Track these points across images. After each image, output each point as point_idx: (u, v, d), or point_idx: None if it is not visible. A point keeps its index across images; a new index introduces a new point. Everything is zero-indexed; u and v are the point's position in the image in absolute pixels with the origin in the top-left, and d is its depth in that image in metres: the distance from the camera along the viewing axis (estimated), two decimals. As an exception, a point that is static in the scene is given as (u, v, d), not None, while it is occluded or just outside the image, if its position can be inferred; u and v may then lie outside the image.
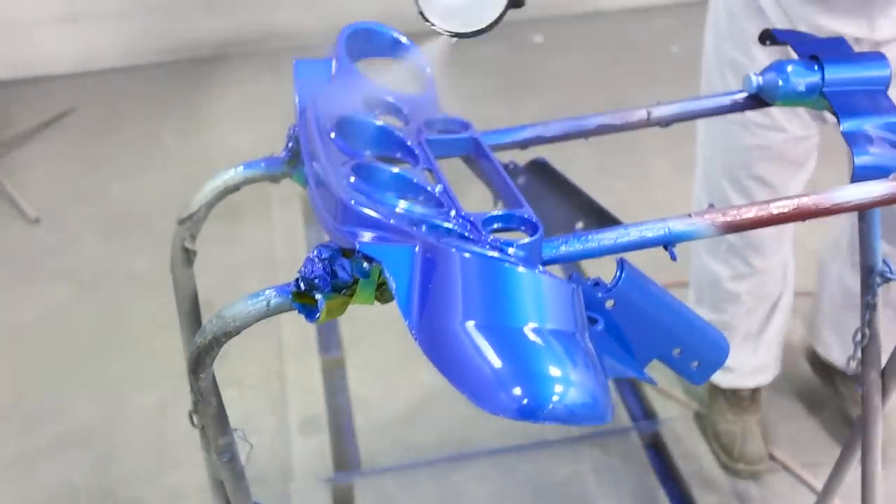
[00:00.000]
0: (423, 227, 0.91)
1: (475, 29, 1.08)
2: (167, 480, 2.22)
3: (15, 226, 3.15)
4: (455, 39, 1.10)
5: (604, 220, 1.37)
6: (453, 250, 0.79)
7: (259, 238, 2.92)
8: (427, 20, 1.08)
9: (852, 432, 1.55)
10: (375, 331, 2.55)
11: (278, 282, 2.75)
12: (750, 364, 2.18)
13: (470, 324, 0.75)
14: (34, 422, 2.38)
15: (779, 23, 1.72)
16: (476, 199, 1.17)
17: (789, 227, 2.04)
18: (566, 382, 0.73)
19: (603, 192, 1.35)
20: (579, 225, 1.36)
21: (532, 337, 0.76)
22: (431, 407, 2.33)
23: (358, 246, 0.83)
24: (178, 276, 1.23)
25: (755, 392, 2.22)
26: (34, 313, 2.75)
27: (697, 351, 1.09)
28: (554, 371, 0.74)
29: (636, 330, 1.03)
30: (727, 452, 2.18)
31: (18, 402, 2.45)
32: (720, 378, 2.18)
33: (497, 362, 0.74)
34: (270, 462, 2.22)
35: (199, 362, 1.00)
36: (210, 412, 1.10)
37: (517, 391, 0.72)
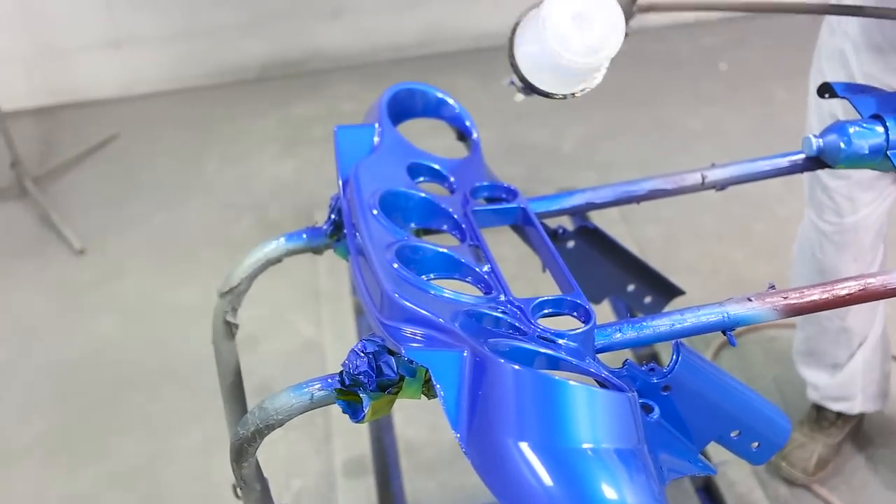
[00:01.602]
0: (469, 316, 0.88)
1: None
2: (212, 524, 2.20)
3: (60, 257, 3.15)
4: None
5: (655, 281, 1.33)
6: (502, 361, 0.75)
7: (302, 270, 2.90)
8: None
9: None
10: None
11: (321, 318, 2.68)
12: (830, 390, 2.16)
13: (524, 444, 0.72)
14: (80, 461, 2.38)
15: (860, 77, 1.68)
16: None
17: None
18: (623, 506, 0.70)
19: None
20: (630, 287, 1.32)
21: (588, 457, 0.72)
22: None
23: (404, 352, 0.80)
24: (221, 350, 1.20)
25: (840, 417, 2.20)
26: (79, 348, 2.75)
27: (757, 432, 1.04)
28: (610, 493, 0.71)
29: (693, 413, 0.99)
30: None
31: (65, 441, 2.45)
32: (809, 391, 2.20)
33: (551, 484, 0.71)
34: (315, 505, 2.21)
35: (242, 452, 0.98)
36: (254, 497, 1.07)
37: (572, 515, 0.69)
